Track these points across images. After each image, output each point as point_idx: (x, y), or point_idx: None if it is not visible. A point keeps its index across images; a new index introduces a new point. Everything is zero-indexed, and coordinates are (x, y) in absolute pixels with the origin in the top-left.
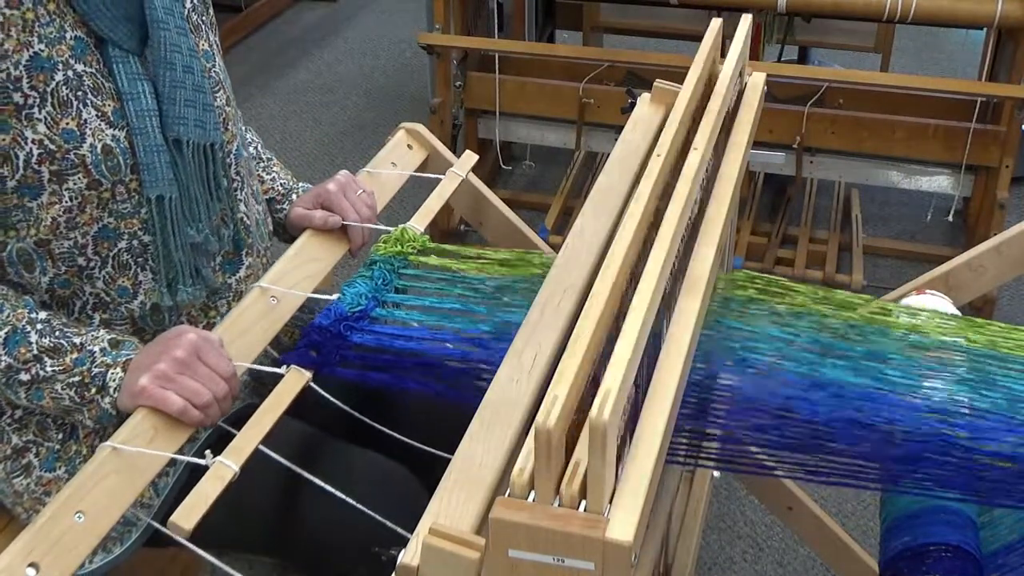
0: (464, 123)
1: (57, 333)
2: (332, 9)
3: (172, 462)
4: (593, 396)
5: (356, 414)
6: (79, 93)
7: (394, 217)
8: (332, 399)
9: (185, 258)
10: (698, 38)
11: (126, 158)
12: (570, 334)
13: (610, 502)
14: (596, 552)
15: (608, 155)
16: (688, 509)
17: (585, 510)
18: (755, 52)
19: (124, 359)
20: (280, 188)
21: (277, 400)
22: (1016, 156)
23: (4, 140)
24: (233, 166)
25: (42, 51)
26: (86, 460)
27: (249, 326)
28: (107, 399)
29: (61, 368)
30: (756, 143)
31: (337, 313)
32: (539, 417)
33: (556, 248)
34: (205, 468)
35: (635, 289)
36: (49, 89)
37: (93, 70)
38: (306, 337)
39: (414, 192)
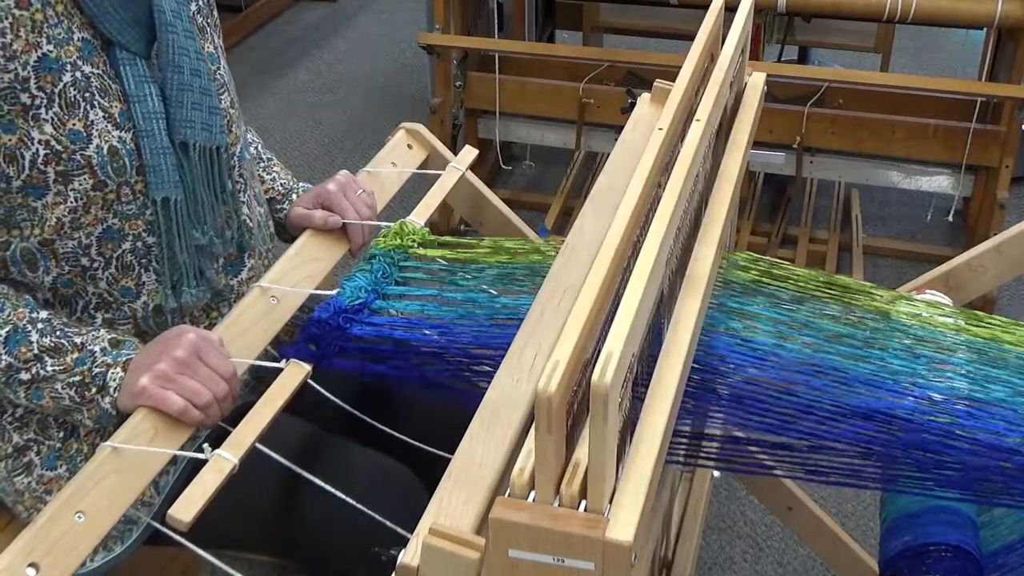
0: (464, 123)
1: (58, 332)
2: (332, 9)
3: (173, 460)
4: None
5: (356, 413)
6: (87, 94)
7: (394, 216)
8: (332, 397)
9: (190, 260)
10: None
11: (132, 160)
12: None
13: (610, 502)
14: (596, 552)
15: (608, 155)
16: (688, 509)
17: (585, 510)
18: (755, 52)
19: (124, 359)
20: (280, 188)
21: (276, 393)
22: (1016, 156)
23: (10, 140)
24: (236, 168)
25: (50, 52)
26: (87, 458)
27: (249, 326)
28: (107, 399)
29: (62, 368)
30: (756, 143)
31: (336, 306)
32: (540, 384)
33: (556, 250)
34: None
35: (637, 260)
36: (57, 90)
37: (100, 72)
38: (305, 331)
39: (414, 192)
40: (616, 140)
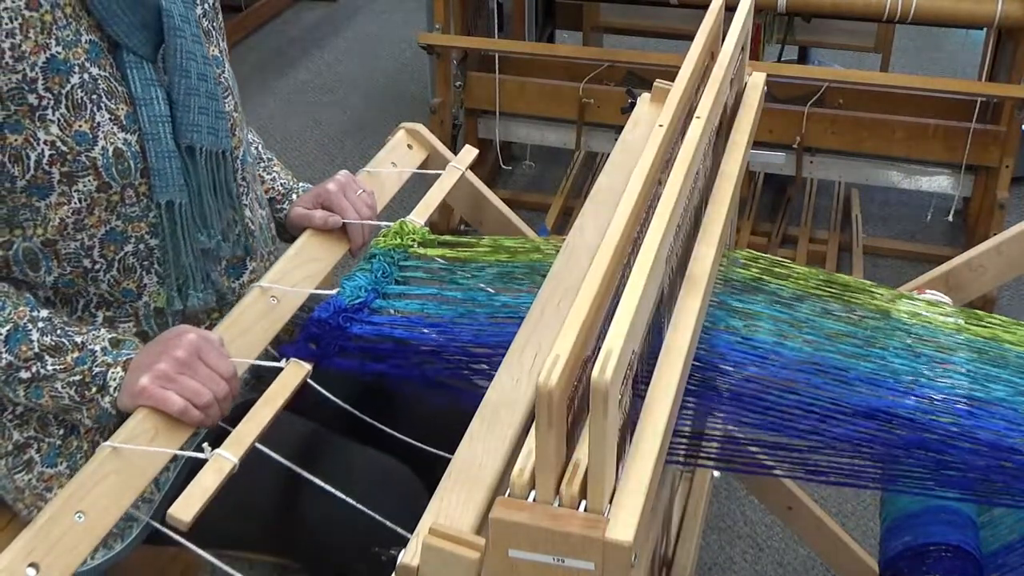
0: (464, 123)
1: (59, 332)
2: (332, 9)
3: (173, 458)
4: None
5: (357, 412)
6: (94, 96)
7: (394, 216)
8: (332, 397)
9: (195, 263)
10: None
11: (136, 162)
12: None
13: (610, 502)
14: (596, 552)
15: (608, 155)
16: (688, 509)
17: (585, 510)
18: (755, 52)
19: (125, 358)
20: (280, 188)
21: (276, 392)
22: (1016, 156)
23: (16, 140)
24: (239, 171)
25: (59, 53)
26: (87, 456)
27: (249, 326)
28: (107, 398)
29: (62, 367)
30: (756, 143)
31: (336, 306)
32: (540, 377)
33: (557, 251)
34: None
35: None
36: (64, 91)
37: (107, 74)
38: (305, 330)
39: (414, 192)
40: (616, 140)
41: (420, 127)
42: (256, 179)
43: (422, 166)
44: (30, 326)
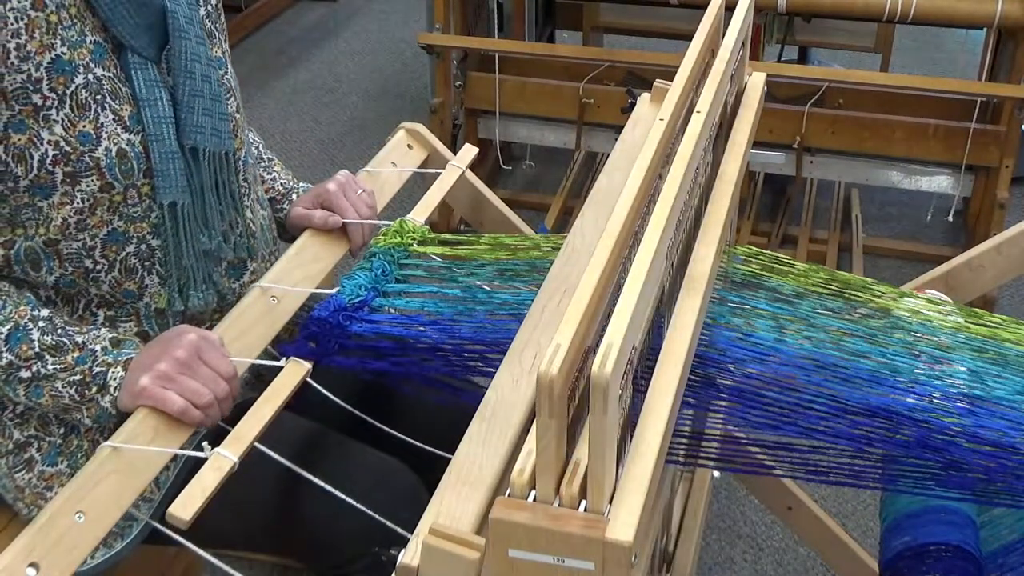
0: (464, 123)
1: (59, 331)
2: (332, 9)
3: (173, 458)
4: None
5: (357, 412)
6: (98, 97)
7: (394, 216)
8: (332, 396)
9: (197, 264)
10: None
11: (140, 163)
12: None
13: (610, 502)
14: (596, 552)
15: (608, 155)
16: (688, 509)
17: (585, 510)
18: (755, 52)
19: (125, 358)
20: (280, 188)
21: (276, 391)
22: (1016, 156)
23: (20, 140)
24: (241, 173)
25: (64, 54)
26: (88, 455)
27: (249, 326)
28: (107, 398)
29: (62, 366)
30: (756, 143)
31: (336, 304)
32: (541, 367)
33: (556, 249)
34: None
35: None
36: (69, 92)
37: (111, 75)
38: (305, 329)
39: (414, 192)
40: (616, 140)
41: (420, 127)
42: (257, 180)
43: (422, 166)
44: (31, 325)
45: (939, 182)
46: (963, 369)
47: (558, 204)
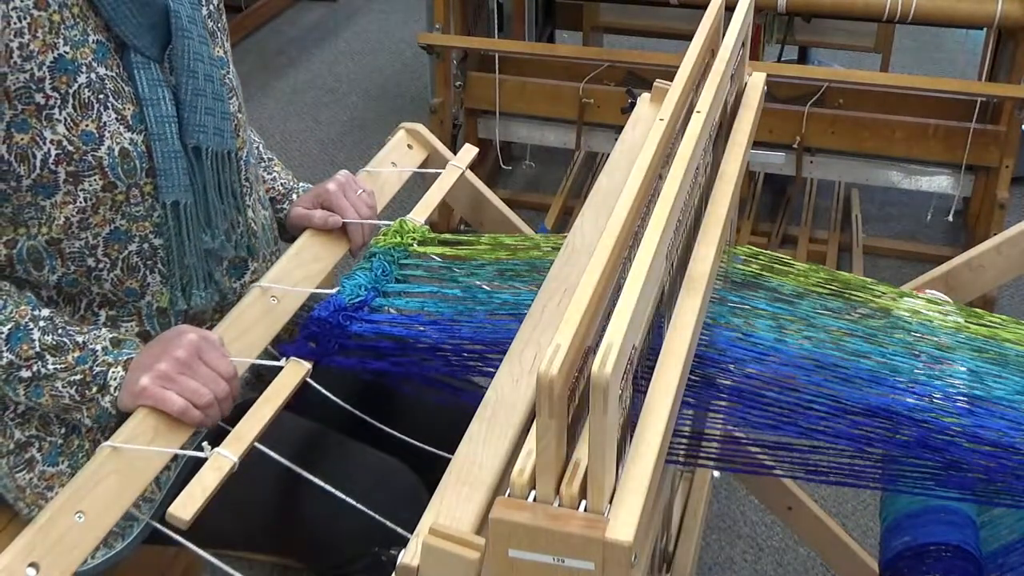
0: (464, 123)
1: (60, 331)
2: (332, 9)
3: (173, 458)
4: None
5: (357, 412)
6: (100, 96)
7: (394, 216)
8: (332, 396)
9: (199, 263)
10: None
11: (142, 162)
12: None
13: (610, 502)
14: (596, 552)
15: (608, 155)
16: (688, 509)
17: (585, 510)
18: (755, 52)
19: (125, 358)
20: (280, 188)
21: (276, 391)
22: (1016, 156)
23: (23, 139)
24: (243, 172)
25: (66, 53)
26: (89, 455)
27: (250, 326)
28: (107, 398)
29: (63, 366)
30: (756, 143)
31: (336, 304)
32: (541, 367)
33: (556, 249)
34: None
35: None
36: (71, 91)
37: (114, 74)
38: (305, 329)
39: (414, 192)
40: (616, 140)
41: (420, 127)
42: (259, 179)
43: (422, 166)
44: (31, 325)
45: (939, 182)
46: (963, 369)
47: (558, 204)
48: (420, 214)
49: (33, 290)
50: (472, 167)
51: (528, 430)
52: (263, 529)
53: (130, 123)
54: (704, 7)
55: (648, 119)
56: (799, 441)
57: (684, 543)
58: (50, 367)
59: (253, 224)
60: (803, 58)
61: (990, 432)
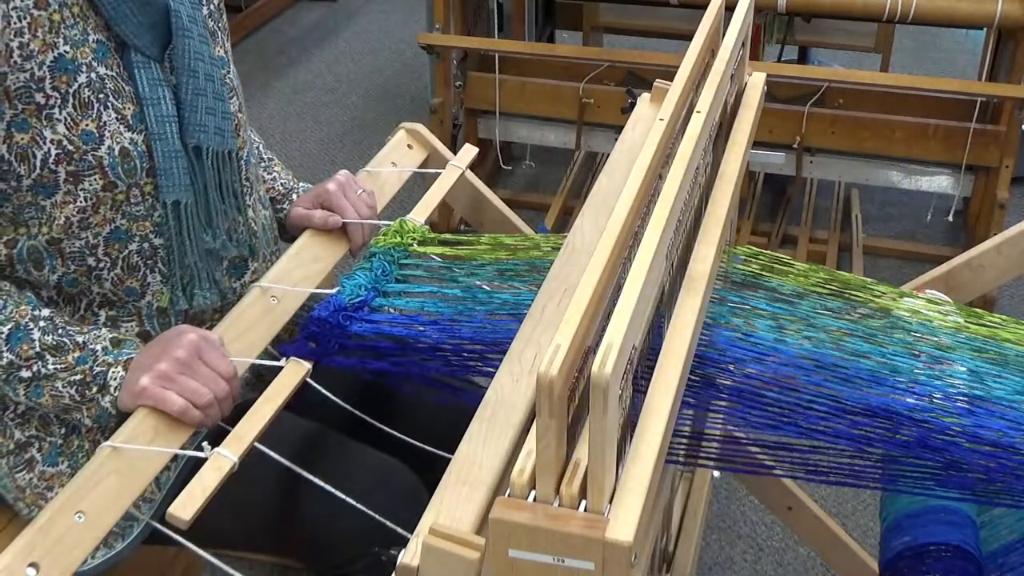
0: (464, 123)
1: (60, 331)
2: (332, 9)
3: (173, 458)
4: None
5: (357, 412)
6: (100, 96)
7: (394, 216)
8: (332, 396)
9: (200, 263)
10: None
11: (143, 161)
12: None
13: (610, 502)
14: (596, 552)
15: (608, 155)
16: (688, 509)
17: (585, 510)
18: (755, 52)
19: (125, 358)
20: (280, 188)
21: (276, 391)
22: (1016, 156)
23: (23, 139)
24: (244, 172)
25: (67, 52)
26: (89, 455)
27: (250, 326)
28: (107, 398)
29: (63, 366)
30: (756, 143)
31: (336, 304)
32: (541, 367)
33: (556, 249)
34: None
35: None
36: (72, 90)
37: (114, 73)
38: (305, 329)
39: (414, 191)
40: (616, 140)
41: (420, 127)
42: (259, 179)
43: (422, 166)
44: (31, 325)
45: (939, 182)
46: (963, 369)
47: (558, 204)
48: (420, 214)
49: (33, 290)
50: (472, 167)
51: (528, 430)
52: (263, 529)
53: (130, 123)
54: (704, 7)
55: (648, 119)
56: (799, 441)
57: (684, 543)
58: (50, 367)
59: (253, 224)
60: (803, 58)
61: (990, 432)
